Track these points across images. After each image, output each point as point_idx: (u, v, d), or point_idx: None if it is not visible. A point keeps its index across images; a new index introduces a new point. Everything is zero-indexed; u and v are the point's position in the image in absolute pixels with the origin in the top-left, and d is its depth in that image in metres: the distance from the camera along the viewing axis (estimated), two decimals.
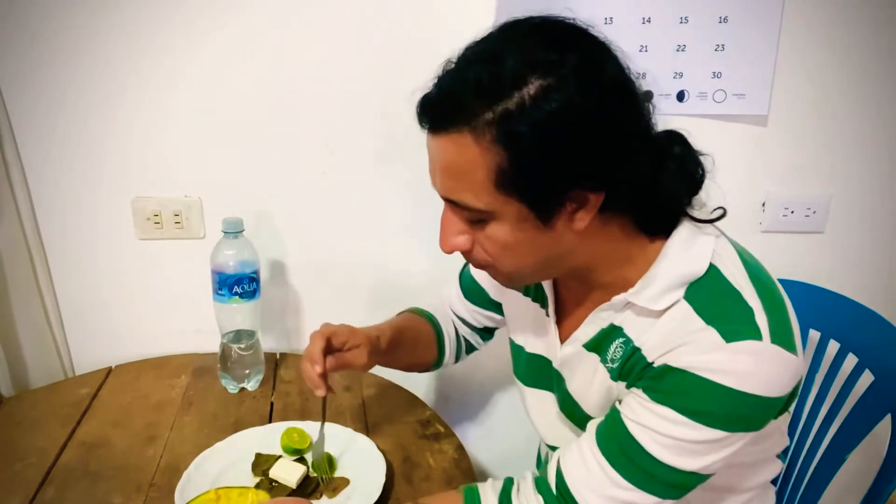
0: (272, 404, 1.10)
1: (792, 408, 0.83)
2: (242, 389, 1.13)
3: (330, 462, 0.92)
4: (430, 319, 1.04)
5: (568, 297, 0.83)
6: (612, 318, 0.73)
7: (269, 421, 1.04)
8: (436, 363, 1.05)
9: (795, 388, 0.69)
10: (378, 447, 0.94)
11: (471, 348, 1.09)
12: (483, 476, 0.80)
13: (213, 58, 1.13)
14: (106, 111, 1.14)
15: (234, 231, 1.08)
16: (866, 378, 1.04)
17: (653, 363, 0.68)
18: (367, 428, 1.03)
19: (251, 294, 1.10)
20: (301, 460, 0.93)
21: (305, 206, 1.24)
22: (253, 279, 1.09)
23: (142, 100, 1.14)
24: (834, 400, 1.10)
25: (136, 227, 1.20)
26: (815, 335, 1.15)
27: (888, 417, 0.99)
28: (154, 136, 1.16)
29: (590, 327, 0.76)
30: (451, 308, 1.06)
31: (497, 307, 0.99)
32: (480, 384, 0.97)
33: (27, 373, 1.19)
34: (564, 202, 0.64)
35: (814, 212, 1.30)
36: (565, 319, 0.83)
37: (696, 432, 0.65)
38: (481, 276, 0.99)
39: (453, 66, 0.65)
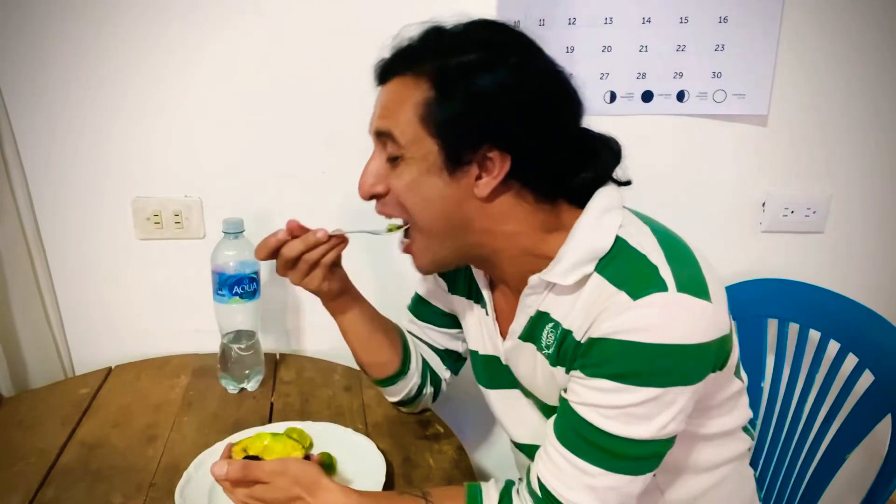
0: (272, 404, 1.10)
1: (745, 377, 0.83)
2: (242, 389, 1.13)
3: (330, 461, 0.92)
4: (397, 328, 1.02)
5: (501, 294, 0.86)
6: (537, 304, 0.76)
7: (269, 421, 1.04)
8: (401, 369, 0.98)
9: (724, 340, 0.70)
10: (378, 447, 0.94)
11: (434, 376, 1.03)
12: (482, 476, 0.80)
13: (213, 58, 1.13)
14: (106, 111, 1.14)
15: (234, 231, 1.08)
16: (866, 378, 1.05)
17: (581, 341, 0.70)
18: (367, 428, 1.03)
19: (251, 294, 1.10)
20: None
21: (305, 206, 1.23)
22: (253, 279, 1.09)
23: (142, 100, 1.14)
24: (834, 400, 1.10)
25: (136, 227, 1.21)
26: (815, 335, 1.16)
27: (888, 417, 0.99)
28: (154, 136, 1.16)
29: (521, 317, 0.79)
30: (407, 331, 1.04)
31: (452, 320, 0.99)
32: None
33: (27, 373, 1.19)
34: (473, 159, 0.70)
35: (814, 212, 1.30)
36: (503, 315, 0.86)
37: (633, 395, 0.66)
38: (431, 292, 1.00)
39: (409, 35, 0.75)
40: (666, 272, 0.67)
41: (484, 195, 0.71)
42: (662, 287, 0.66)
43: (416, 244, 0.78)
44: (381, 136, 0.74)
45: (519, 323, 0.79)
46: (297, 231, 0.83)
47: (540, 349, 0.77)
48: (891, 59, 1.20)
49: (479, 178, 0.71)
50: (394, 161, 0.74)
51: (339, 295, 0.92)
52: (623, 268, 0.69)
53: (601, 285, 0.69)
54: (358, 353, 0.98)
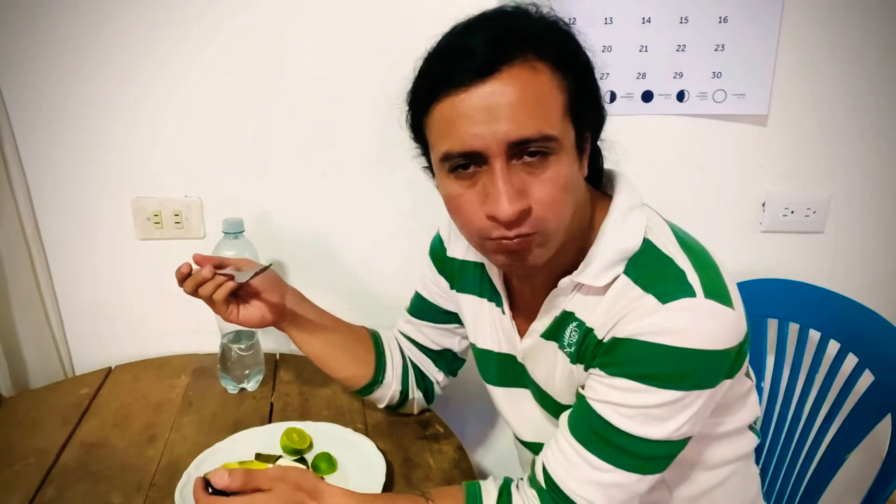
0: (272, 404, 1.10)
1: (753, 376, 0.83)
2: (242, 390, 1.14)
3: (330, 461, 0.92)
4: (372, 333, 1.02)
5: (520, 291, 0.85)
6: (563, 304, 0.76)
7: (269, 421, 1.04)
8: (374, 379, 0.98)
9: (742, 347, 0.70)
10: (378, 447, 0.94)
11: (422, 381, 1.03)
12: (483, 476, 0.80)
13: (214, 58, 1.13)
14: (106, 111, 1.14)
15: (234, 231, 1.08)
16: (866, 378, 1.05)
17: (603, 340, 0.70)
18: (367, 428, 1.03)
19: None
20: (301, 460, 0.93)
21: (305, 206, 1.24)
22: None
23: (142, 100, 1.14)
24: (834, 400, 1.10)
25: (136, 227, 1.21)
26: (815, 335, 1.15)
27: (888, 417, 0.99)
28: (154, 136, 1.16)
29: (545, 317, 0.79)
30: (399, 332, 1.04)
31: (452, 317, 0.99)
32: (480, 384, 0.97)
33: (27, 373, 1.19)
34: (586, 137, 0.70)
35: (814, 212, 1.30)
36: (521, 313, 0.85)
37: (653, 396, 0.67)
38: (431, 291, 0.99)
39: (478, 21, 0.68)
40: (693, 277, 0.67)
41: (586, 173, 0.72)
42: (690, 292, 0.66)
43: (541, 239, 0.68)
44: (536, 143, 0.64)
45: (542, 322, 0.79)
46: (200, 262, 0.86)
47: (562, 347, 0.77)
48: (891, 59, 1.20)
49: (582, 158, 0.71)
50: (541, 159, 0.64)
51: (274, 322, 0.93)
52: (649, 270, 0.69)
53: (627, 286, 0.70)
54: (321, 369, 0.99)
